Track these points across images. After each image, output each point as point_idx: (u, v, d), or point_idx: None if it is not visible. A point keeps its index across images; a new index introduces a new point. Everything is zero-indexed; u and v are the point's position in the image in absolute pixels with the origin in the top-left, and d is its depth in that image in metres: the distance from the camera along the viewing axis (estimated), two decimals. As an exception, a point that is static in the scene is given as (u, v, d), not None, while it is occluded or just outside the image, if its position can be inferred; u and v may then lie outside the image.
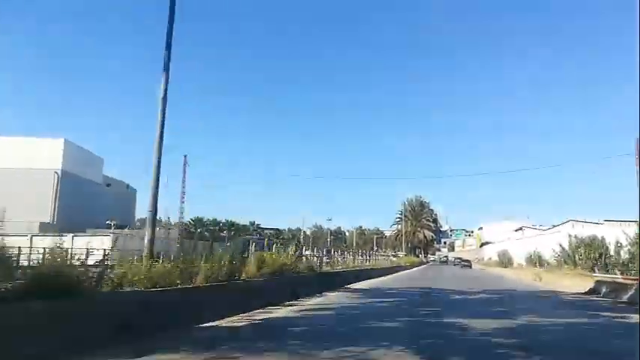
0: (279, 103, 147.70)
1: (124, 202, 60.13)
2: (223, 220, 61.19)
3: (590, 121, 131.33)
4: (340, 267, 22.93)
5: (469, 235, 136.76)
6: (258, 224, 68.03)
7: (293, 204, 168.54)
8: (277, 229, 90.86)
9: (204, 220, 59.13)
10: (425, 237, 79.65)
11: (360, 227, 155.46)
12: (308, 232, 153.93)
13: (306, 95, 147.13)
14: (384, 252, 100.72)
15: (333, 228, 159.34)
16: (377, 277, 26.27)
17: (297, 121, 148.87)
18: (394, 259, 51.98)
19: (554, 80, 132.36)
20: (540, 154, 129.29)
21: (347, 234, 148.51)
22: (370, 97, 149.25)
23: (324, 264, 22.82)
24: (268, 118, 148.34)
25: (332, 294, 14.61)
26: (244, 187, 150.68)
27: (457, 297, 15.19)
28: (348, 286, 18.21)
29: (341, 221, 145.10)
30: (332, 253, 24.97)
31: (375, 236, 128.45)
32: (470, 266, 66.23)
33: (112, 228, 41.40)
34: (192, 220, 58.20)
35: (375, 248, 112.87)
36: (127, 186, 70.00)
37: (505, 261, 61.51)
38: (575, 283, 22.62)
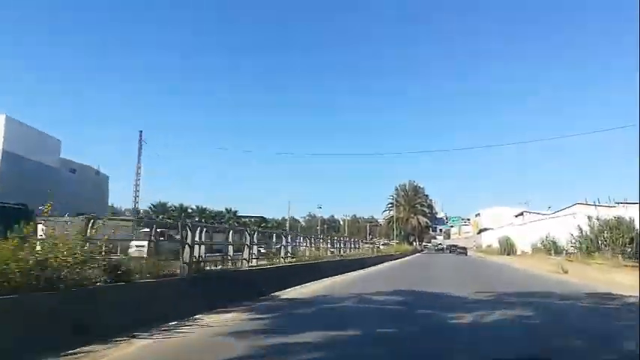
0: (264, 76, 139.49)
1: (93, 190, 54.20)
2: (193, 207, 53.64)
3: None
4: (288, 260, 15.29)
5: (465, 224, 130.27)
6: (235, 211, 60.20)
7: (285, 194, 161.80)
8: (262, 217, 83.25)
9: (168, 205, 51.43)
10: (419, 223, 72.26)
11: (354, 216, 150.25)
12: (302, 222, 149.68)
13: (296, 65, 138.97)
14: (379, 240, 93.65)
15: (326, 217, 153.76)
16: (345, 272, 18.81)
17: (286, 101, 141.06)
18: (383, 247, 44.70)
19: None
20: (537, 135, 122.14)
21: (341, 223, 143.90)
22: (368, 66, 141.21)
23: (272, 255, 15.30)
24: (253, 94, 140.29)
25: (212, 319, 7.08)
26: (225, 173, 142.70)
27: (463, 319, 7.67)
28: (278, 293, 10.71)
29: (335, 210, 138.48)
30: (285, 240, 16.87)
31: (369, 224, 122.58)
32: (465, 253, 64.04)
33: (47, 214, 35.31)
34: (152, 205, 50.47)
35: (370, 236, 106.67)
36: (97, 172, 62.97)
37: (508, 248, 54.31)
38: (628, 280, 15.28)
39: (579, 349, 5.61)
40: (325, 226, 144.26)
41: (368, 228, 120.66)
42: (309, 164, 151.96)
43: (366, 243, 37.14)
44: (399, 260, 35.11)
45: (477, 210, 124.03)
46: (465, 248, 71.71)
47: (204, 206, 54.46)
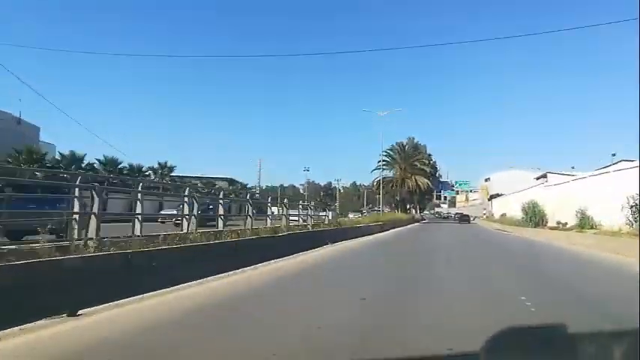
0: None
1: (17, 142, 39.34)
2: (101, 158, 37.63)
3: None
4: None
5: (473, 190, 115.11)
6: (170, 166, 43.59)
7: (282, 160, 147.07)
8: (231, 180, 67.53)
9: (44, 152, 34.89)
10: (418, 186, 55.34)
11: (355, 183, 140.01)
12: (301, 189, 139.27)
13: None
14: (371, 208, 78.28)
15: (323, 183, 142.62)
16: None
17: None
18: (353, 216, 29.10)
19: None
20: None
21: (341, 190, 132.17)
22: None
23: None
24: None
25: None
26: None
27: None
28: None
29: (336, 177, 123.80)
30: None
31: (366, 191, 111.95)
32: (468, 221, 59.09)
33: None
34: (16, 152, 33.70)
35: (369, 205, 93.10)
36: (18, 120, 47.36)
37: (535, 218, 38.12)
38: None
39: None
40: (322, 193, 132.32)
41: (365, 195, 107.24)
42: (306, 122, 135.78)
43: (304, 207, 21.10)
44: (361, 240, 19.17)
45: (486, 175, 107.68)
46: (467, 216, 65.41)
47: (115, 158, 37.85)
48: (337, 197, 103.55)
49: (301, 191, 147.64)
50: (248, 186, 65.74)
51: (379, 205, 72.67)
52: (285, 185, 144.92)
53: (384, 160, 55.95)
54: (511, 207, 55.61)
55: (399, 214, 48.77)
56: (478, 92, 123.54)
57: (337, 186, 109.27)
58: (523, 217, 40.46)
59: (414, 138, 66.77)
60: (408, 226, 43.01)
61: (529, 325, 4.53)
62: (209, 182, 52.00)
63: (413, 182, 53.21)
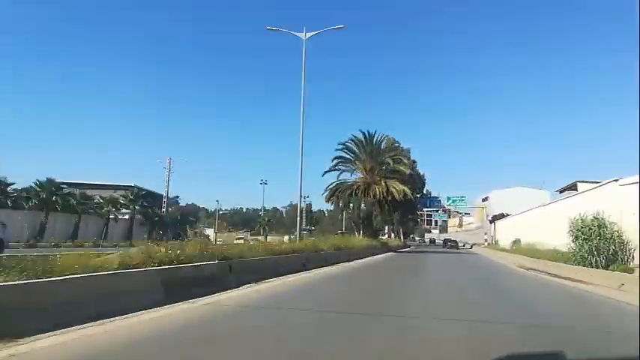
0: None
1: None
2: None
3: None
4: None
5: (463, 215, 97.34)
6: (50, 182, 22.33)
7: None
8: (135, 187, 47.24)
9: None
10: (391, 193, 33.36)
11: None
12: (284, 212, 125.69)
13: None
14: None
15: (304, 205, 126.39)
16: None
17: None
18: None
19: None
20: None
21: (325, 213, 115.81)
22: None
23: None
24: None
25: None
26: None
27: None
28: None
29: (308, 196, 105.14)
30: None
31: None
32: (456, 247, 56.58)
33: None
34: None
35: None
36: None
37: (608, 250, 17.83)
38: None
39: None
40: (300, 216, 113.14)
41: (344, 217, 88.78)
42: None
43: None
44: None
45: (483, 194, 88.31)
46: (455, 241, 61.31)
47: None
48: (305, 217, 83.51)
49: (284, 214, 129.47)
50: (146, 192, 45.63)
51: (374, 227, 51.43)
52: (268, 208, 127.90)
53: (338, 157, 35.76)
54: (529, 231, 35.72)
55: (357, 240, 28.54)
56: (468, 111, 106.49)
57: (302, 205, 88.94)
58: (573, 250, 19.53)
59: (394, 139, 46.23)
60: (366, 259, 23.20)
61: (528, 353, 4.33)
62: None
63: (383, 188, 32.66)
